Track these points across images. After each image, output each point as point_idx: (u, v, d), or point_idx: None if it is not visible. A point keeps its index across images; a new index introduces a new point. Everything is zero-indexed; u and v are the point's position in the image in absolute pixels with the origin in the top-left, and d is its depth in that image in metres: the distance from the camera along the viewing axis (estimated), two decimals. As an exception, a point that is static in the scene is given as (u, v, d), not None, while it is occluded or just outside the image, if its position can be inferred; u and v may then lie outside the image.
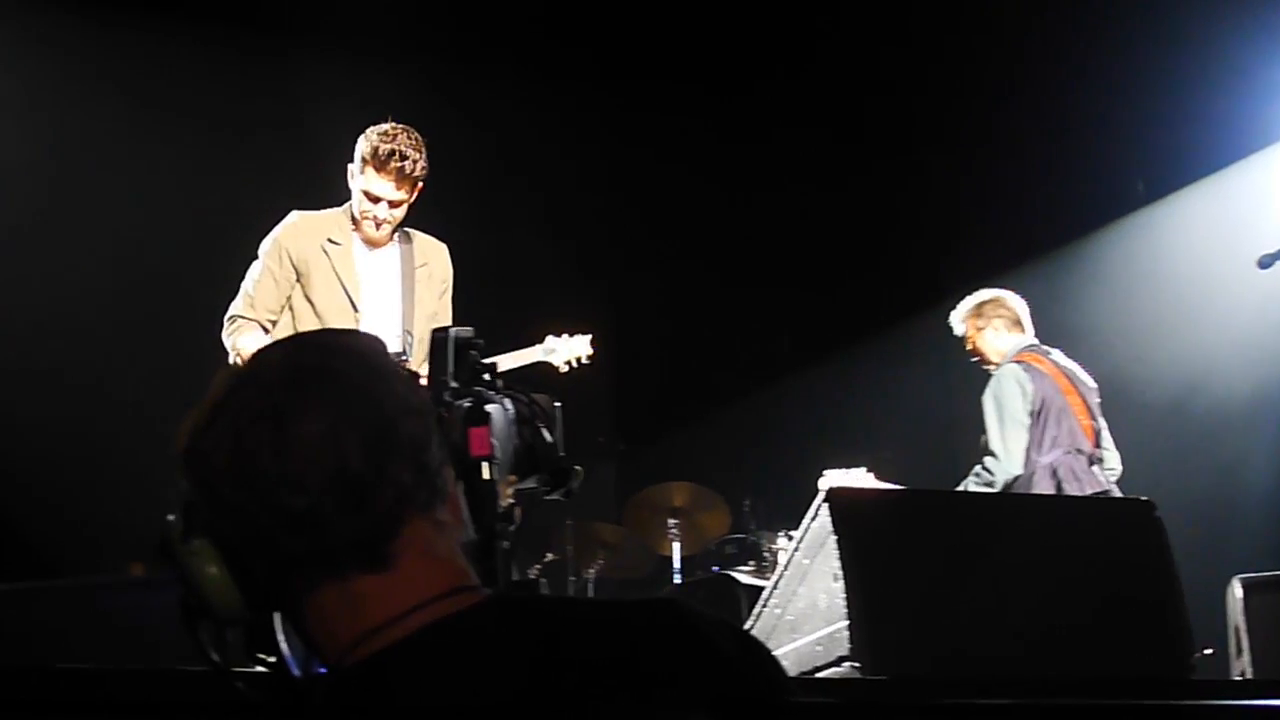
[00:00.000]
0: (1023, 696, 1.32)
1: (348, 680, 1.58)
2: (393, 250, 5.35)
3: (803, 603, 4.21)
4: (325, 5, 8.23)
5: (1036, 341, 6.50)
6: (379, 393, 1.62)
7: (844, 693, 3.44)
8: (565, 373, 5.74)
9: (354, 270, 5.22)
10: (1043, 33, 8.23)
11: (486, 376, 2.61)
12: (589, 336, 5.87)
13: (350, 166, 5.23)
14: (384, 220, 5.22)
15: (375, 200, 5.17)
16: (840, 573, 3.95)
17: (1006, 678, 3.78)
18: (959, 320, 6.63)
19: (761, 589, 4.68)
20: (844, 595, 3.92)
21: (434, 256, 5.44)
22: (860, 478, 6.66)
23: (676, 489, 8.43)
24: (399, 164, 5.13)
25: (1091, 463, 6.14)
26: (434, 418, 1.69)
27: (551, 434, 2.64)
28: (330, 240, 5.23)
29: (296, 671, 1.70)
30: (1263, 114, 7.88)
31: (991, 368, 6.44)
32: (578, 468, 2.81)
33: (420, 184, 5.24)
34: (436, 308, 5.41)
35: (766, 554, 7.87)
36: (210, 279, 5.57)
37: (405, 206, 5.25)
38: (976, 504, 5.35)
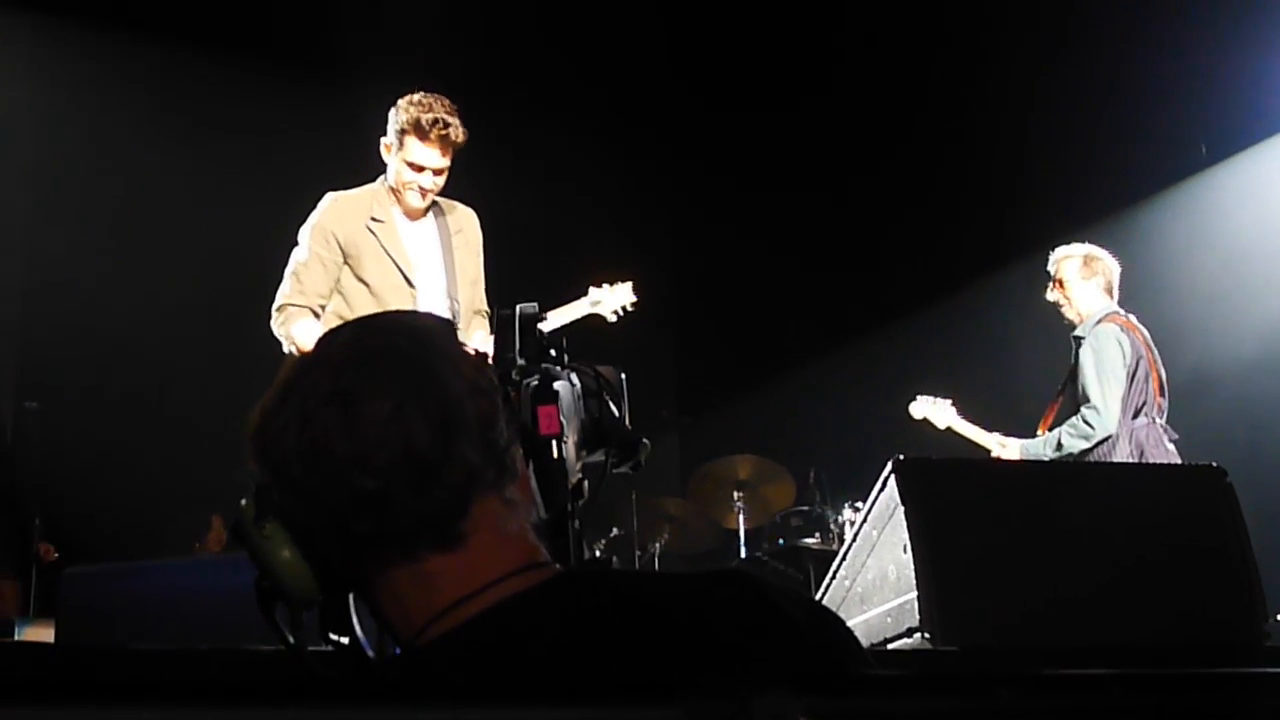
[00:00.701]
0: (1092, 666, 1.31)
1: (422, 658, 1.59)
2: (429, 221, 5.33)
3: (872, 574, 4.20)
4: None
5: (1120, 308, 6.45)
6: (445, 373, 1.63)
7: (914, 664, 3.44)
8: (614, 322, 5.76)
9: (402, 245, 5.20)
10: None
11: (553, 351, 2.62)
12: (630, 283, 5.86)
13: (385, 140, 5.20)
14: (429, 189, 5.20)
15: (420, 170, 5.13)
16: (909, 543, 3.95)
17: (1076, 647, 3.77)
18: (1062, 263, 6.52)
19: (830, 559, 4.68)
20: (913, 566, 3.91)
21: (466, 222, 5.43)
22: (945, 409, 6.70)
23: (741, 461, 8.42)
24: (442, 131, 5.10)
25: (1164, 432, 6.12)
26: (500, 396, 1.69)
27: (618, 407, 2.65)
28: (374, 219, 5.20)
29: (370, 651, 1.72)
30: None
31: (1075, 319, 6.38)
32: (645, 441, 2.81)
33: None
34: (476, 273, 5.40)
35: (833, 526, 7.85)
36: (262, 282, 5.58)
37: (446, 174, 5.23)
38: (1044, 472, 5.31)
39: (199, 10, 8.06)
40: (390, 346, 1.63)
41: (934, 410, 6.81)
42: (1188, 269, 8.38)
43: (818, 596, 4.44)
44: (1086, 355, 6.15)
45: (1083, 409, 6.07)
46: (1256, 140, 8.29)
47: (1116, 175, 8.61)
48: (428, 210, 5.31)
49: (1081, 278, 6.43)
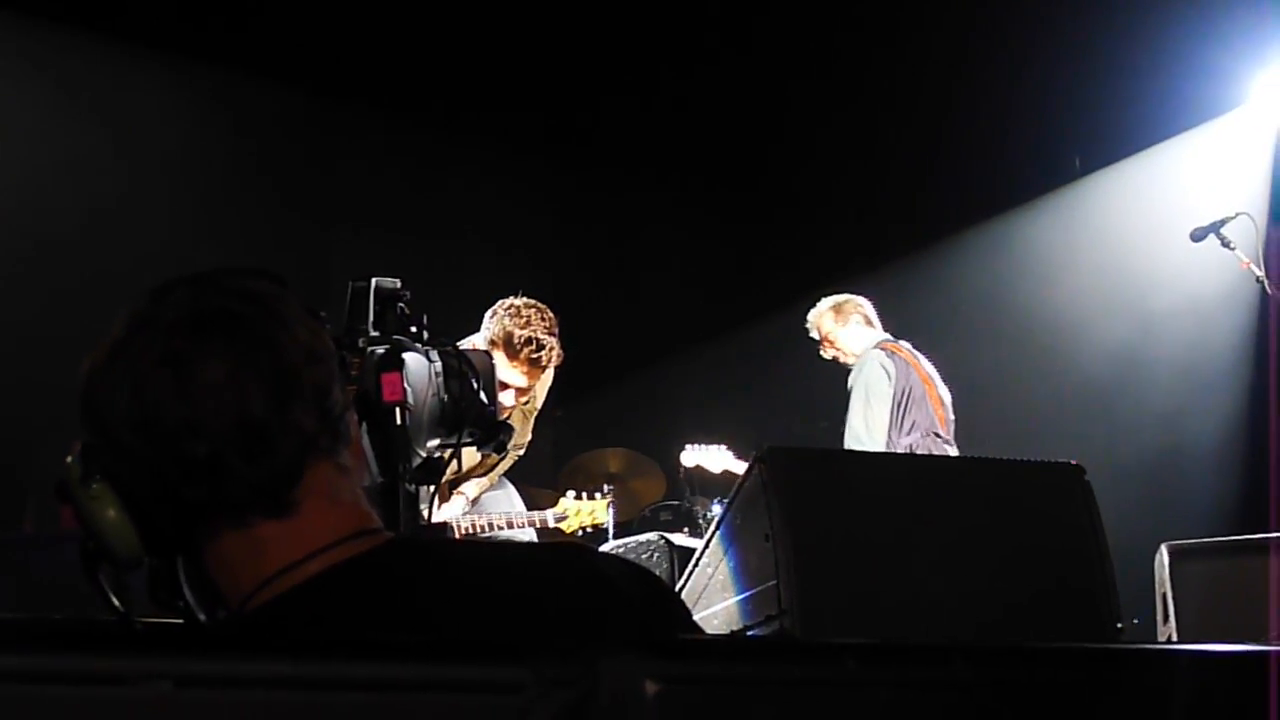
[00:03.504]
0: (941, 658, 1.33)
1: (249, 623, 1.57)
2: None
3: (734, 562, 4.21)
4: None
5: (887, 335, 6.65)
6: (280, 338, 1.60)
7: (769, 646, 3.45)
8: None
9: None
10: (983, 13, 8.26)
11: (413, 329, 2.59)
12: (607, 500, 5.71)
13: (475, 340, 4.94)
14: (507, 409, 4.95)
15: (502, 388, 4.84)
16: (771, 532, 3.96)
17: (928, 638, 3.80)
18: (818, 322, 6.77)
19: (694, 552, 4.69)
20: (774, 555, 3.93)
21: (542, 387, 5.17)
22: (718, 453, 6.88)
23: (612, 454, 8.45)
24: (534, 354, 4.92)
25: (946, 446, 6.31)
26: (336, 362, 1.67)
27: (482, 390, 2.63)
28: None
29: (201, 616, 1.68)
30: (1193, 92, 7.96)
31: (850, 361, 6.59)
32: (509, 423, 2.79)
33: None
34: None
35: (701, 521, 7.89)
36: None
37: (530, 393, 5.01)
38: (907, 465, 5.38)
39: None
40: (225, 309, 1.60)
41: (705, 456, 7.00)
42: (1061, 278, 8.54)
43: (680, 584, 4.44)
44: (855, 384, 6.37)
45: (846, 433, 6.27)
46: (1128, 154, 8.46)
47: (994, 185, 8.74)
48: None
49: (839, 325, 6.71)
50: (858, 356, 6.57)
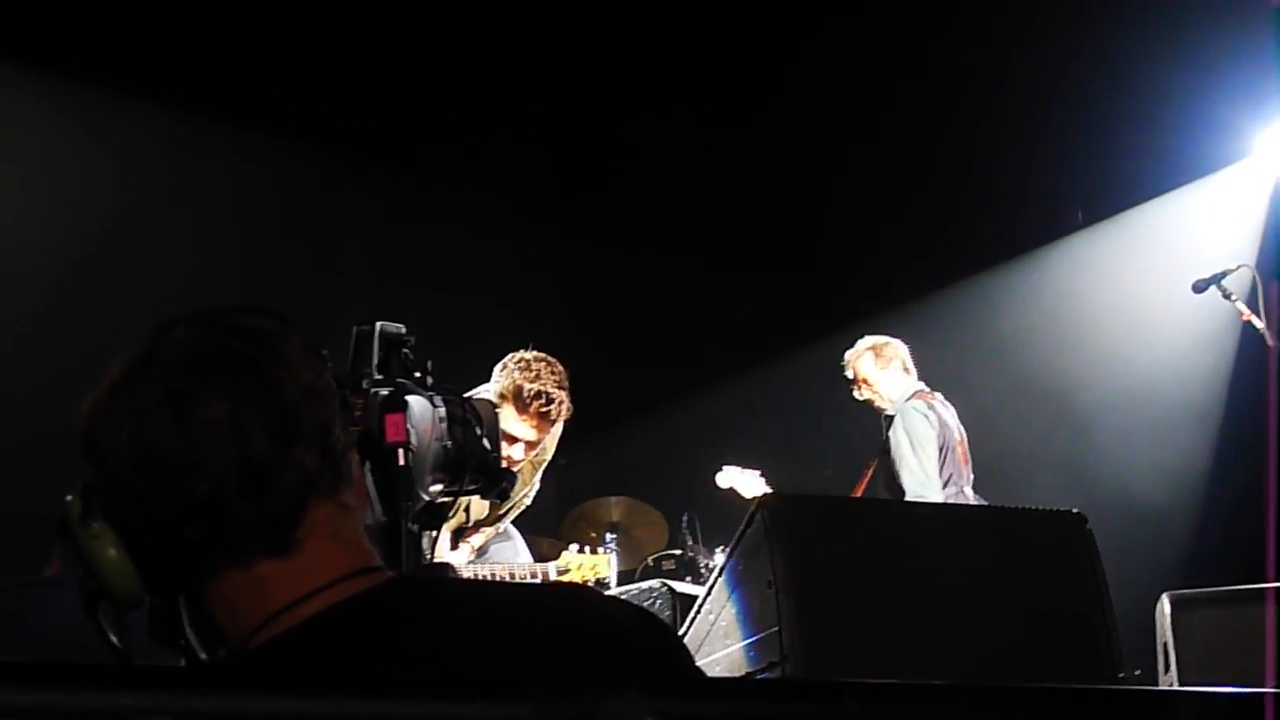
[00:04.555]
0: (944, 699, 1.33)
1: (251, 663, 1.57)
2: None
3: (736, 609, 4.21)
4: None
5: (923, 384, 6.66)
6: (282, 376, 1.60)
7: (771, 687, 3.45)
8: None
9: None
10: (984, 63, 8.31)
11: (418, 374, 2.61)
12: (609, 556, 5.68)
13: (484, 390, 4.92)
14: (516, 462, 4.95)
15: (511, 441, 4.88)
16: (774, 579, 3.96)
17: (934, 686, 3.79)
18: (856, 363, 6.77)
19: (696, 599, 4.69)
20: (776, 601, 3.93)
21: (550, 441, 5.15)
22: (753, 480, 6.83)
23: (615, 503, 8.43)
24: (544, 408, 4.91)
25: (974, 499, 6.33)
26: (338, 401, 1.67)
27: (486, 437, 2.64)
28: None
29: (202, 655, 1.68)
30: (1195, 144, 8.01)
31: (886, 406, 6.58)
32: (512, 471, 2.81)
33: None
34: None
35: (704, 569, 7.86)
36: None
37: (539, 447, 5.01)
38: (910, 512, 5.38)
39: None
40: (226, 348, 1.60)
41: (741, 480, 6.98)
42: (1064, 328, 8.56)
43: (683, 630, 4.43)
44: (899, 433, 6.38)
45: (906, 482, 6.24)
46: (1129, 207, 8.50)
47: (999, 237, 8.78)
48: None
49: (879, 368, 6.70)
50: (893, 403, 6.57)
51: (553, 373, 4.98)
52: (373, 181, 8.98)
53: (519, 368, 4.94)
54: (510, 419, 4.88)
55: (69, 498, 1.63)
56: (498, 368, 5.02)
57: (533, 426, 4.93)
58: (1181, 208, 8.39)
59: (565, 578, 5.59)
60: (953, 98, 8.47)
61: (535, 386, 4.89)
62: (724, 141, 9.46)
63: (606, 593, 6.67)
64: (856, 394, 6.81)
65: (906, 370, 6.72)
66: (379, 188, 9.05)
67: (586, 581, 5.64)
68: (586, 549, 5.81)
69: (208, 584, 1.61)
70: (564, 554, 5.74)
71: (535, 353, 5.04)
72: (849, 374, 6.82)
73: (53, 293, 7.43)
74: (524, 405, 4.88)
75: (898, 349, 6.77)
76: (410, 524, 2.37)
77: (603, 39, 8.86)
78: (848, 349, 6.87)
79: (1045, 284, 8.78)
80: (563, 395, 4.96)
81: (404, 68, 8.46)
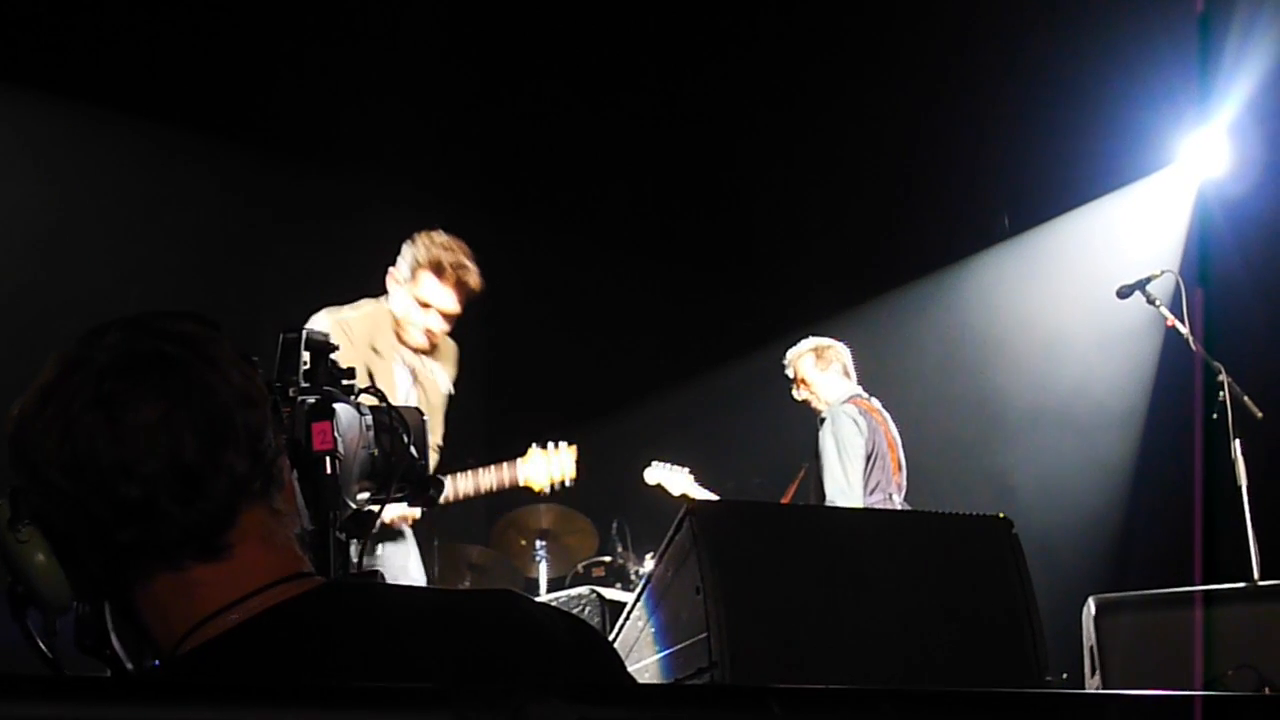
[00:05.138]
0: (869, 703, 1.33)
1: (180, 668, 1.56)
2: (422, 357, 5.15)
3: (665, 616, 4.22)
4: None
5: (861, 389, 6.70)
6: (213, 381, 1.60)
7: (696, 692, 3.45)
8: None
9: (394, 387, 4.95)
10: (910, 71, 8.36)
11: (345, 382, 2.60)
12: (574, 448, 5.71)
13: (395, 271, 5.03)
14: (436, 332, 5.03)
15: (429, 309, 5.00)
16: (701, 585, 3.97)
17: (859, 690, 3.81)
18: (797, 362, 6.81)
19: (624, 604, 4.69)
20: (704, 607, 3.94)
21: (447, 360, 5.24)
22: (682, 478, 6.87)
23: (544, 511, 8.40)
24: (463, 275, 4.98)
25: (902, 508, 6.38)
26: (270, 406, 1.68)
27: (413, 445, 2.63)
28: (374, 349, 4.98)
29: (128, 664, 1.68)
30: (1122, 152, 8.09)
31: (822, 408, 6.62)
32: (440, 478, 2.80)
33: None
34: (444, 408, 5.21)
35: (633, 576, 7.87)
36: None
37: (454, 321, 5.07)
38: (836, 517, 5.40)
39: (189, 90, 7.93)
40: (158, 352, 1.59)
41: (669, 477, 7.02)
42: (992, 335, 8.63)
43: (612, 637, 4.43)
44: (826, 437, 6.42)
45: (827, 488, 6.29)
46: (1056, 214, 8.57)
47: (923, 245, 8.83)
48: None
49: (818, 370, 6.75)
50: (828, 405, 6.60)
51: (463, 248, 5.03)
52: (294, 178, 8.93)
53: (435, 242, 5.01)
54: (431, 287, 4.96)
55: None
56: (406, 244, 5.06)
57: (453, 294, 5.00)
58: (1106, 214, 8.48)
59: (531, 480, 5.55)
60: (883, 104, 8.51)
61: (454, 257, 4.96)
62: (654, 147, 9.46)
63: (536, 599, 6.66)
64: (794, 393, 6.86)
65: (847, 374, 6.77)
66: (302, 185, 9.00)
67: (555, 485, 5.61)
68: (550, 445, 5.71)
69: (138, 589, 1.60)
70: (530, 450, 5.68)
71: (444, 232, 5.10)
72: (789, 373, 6.86)
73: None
74: (443, 271, 4.95)
75: (840, 352, 6.82)
76: (338, 532, 2.36)
77: (534, 38, 8.88)
78: (790, 347, 6.90)
79: (971, 291, 8.85)
80: (476, 269, 5.02)
81: (325, 64, 8.46)
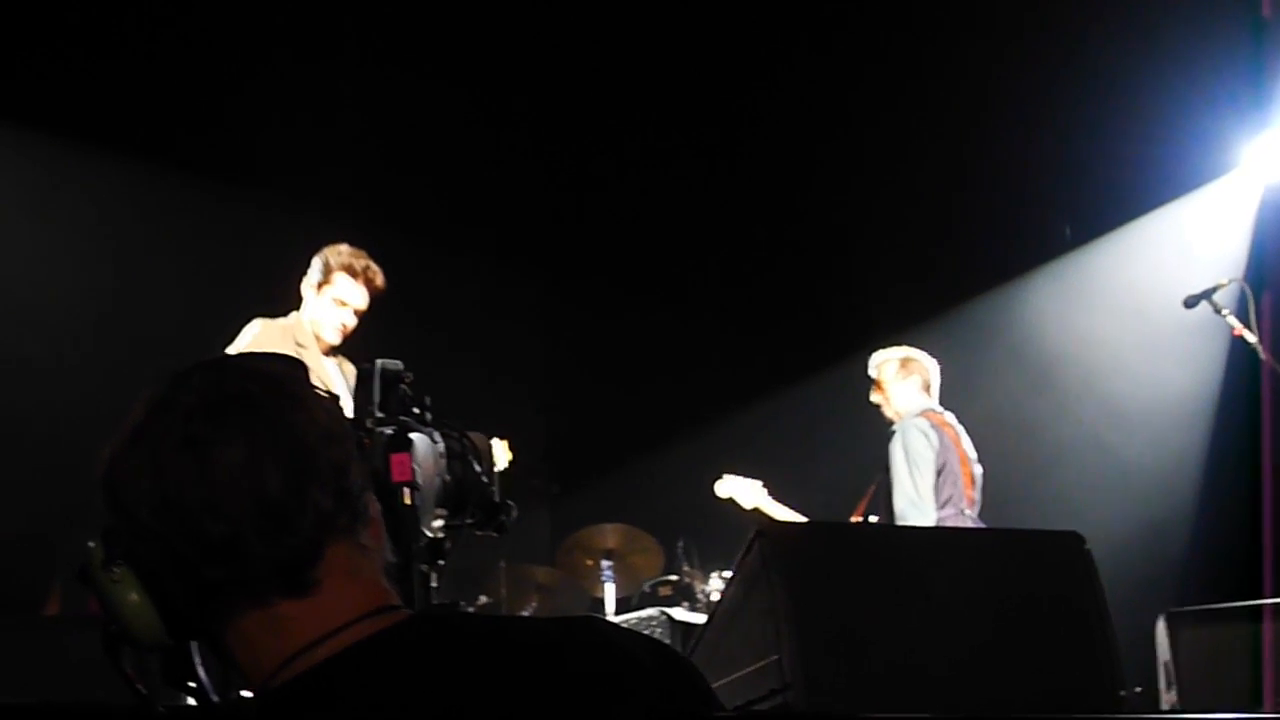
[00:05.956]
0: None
1: (273, 703, 1.58)
2: (331, 360, 5.60)
3: (737, 637, 4.21)
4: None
5: (937, 404, 6.69)
6: (298, 419, 1.63)
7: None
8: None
9: (326, 375, 5.41)
10: (965, 82, 8.33)
11: (417, 410, 2.62)
12: (505, 441, 5.94)
13: (309, 279, 5.58)
14: (350, 328, 5.53)
15: (344, 306, 5.53)
16: (774, 607, 3.96)
17: (932, 710, 3.80)
18: (880, 365, 6.81)
19: (696, 626, 4.69)
20: (776, 629, 3.93)
21: (348, 368, 5.64)
22: (756, 491, 6.86)
23: (610, 531, 8.43)
24: (371, 274, 5.53)
25: (975, 524, 6.34)
26: (354, 442, 1.70)
27: (484, 471, 2.64)
28: (298, 343, 5.42)
29: (214, 697, 1.71)
30: (1184, 159, 8.02)
31: (894, 417, 6.64)
32: (510, 503, 2.81)
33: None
34: None
35: (700, 594, 7.86)
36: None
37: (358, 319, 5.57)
38: (906, 536, 5.38)
39: (130, 121, 8.00)
40: (243, 392, 1.63)
41: (741, 489, 7.02)
42: (1055, 348, 8.57)
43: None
44: (896, 449, 6.42)
45: (896, 502, 6.27)
46: (1120, 223, 8.50)
47: (983, 257, 8.78)
48: (330, 352, 5.58)
49: (899, 378, 6.76)
50: (900, 416, 6.60)
51: (368, 255, 5.63)
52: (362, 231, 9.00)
53: (345, 249, 5.62)
54: (346, 286, 5.54)
55: (90, 544, 1.65)
56: (317, 258, 5.62)
57: (364, 291, 5.58)
58: (1169, 222, 8.40)
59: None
60: (940, 119, 8.49)
61: (363, 261, 5.58)
62: (717, 167, 9.49)
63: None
64: (872, 396, 6.87)
65: (926, 389, 6.77)
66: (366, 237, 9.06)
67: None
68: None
69: (228, 625, 1.62)
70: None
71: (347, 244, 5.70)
72: (872, 373, 6.87)
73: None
74: (355, 273, 5.55)
75: (924, 366, 6.83)
76: (418, 563, 2.38)
77: (581, 82, 8.97)
78: (874, 353, 6.94)
79: (1034, 304, 8.78)
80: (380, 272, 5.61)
81: (379, 123, 8.57)
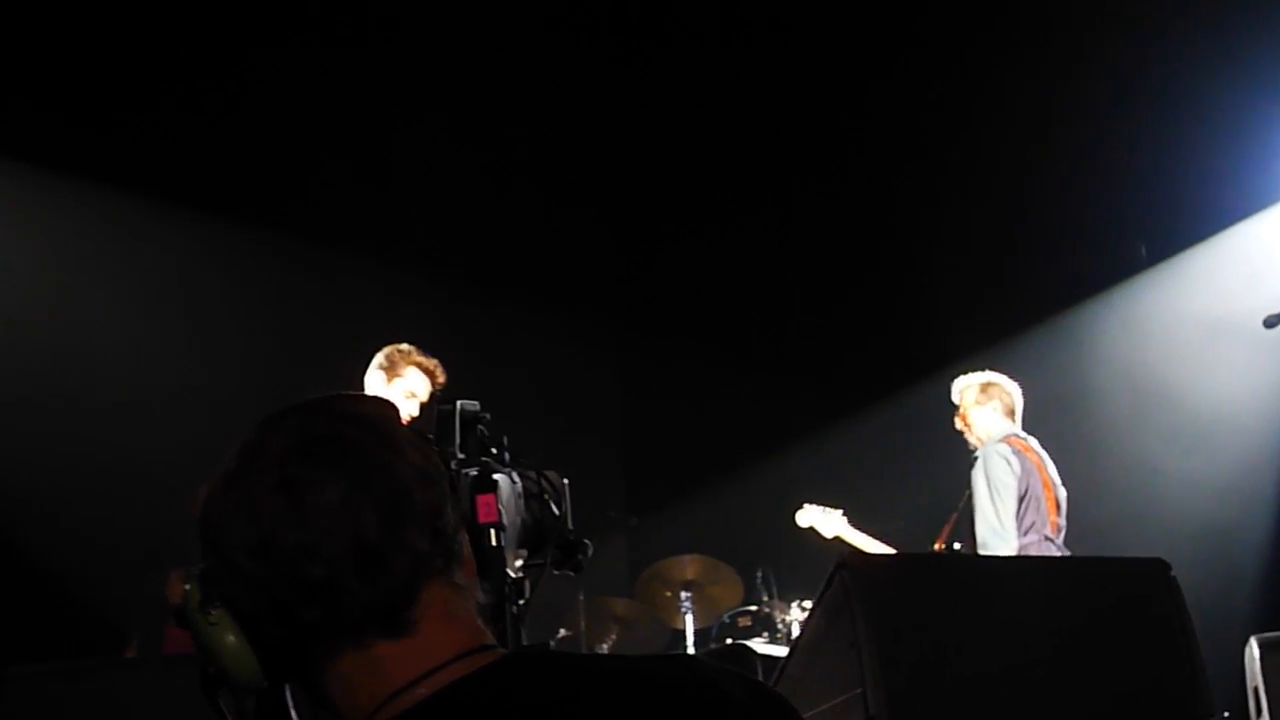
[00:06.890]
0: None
1: None
2: None
3: (820, 670, 4.19)
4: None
5: (1020, 429, 6.64)
6: (392, 461, 1.64)
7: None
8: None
9: None
10: (1043, 99, 8.30)
11: (494, 450, 2.63)
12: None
13: (374, 376, 5.96)
14: (413, 420, 5.71)
15: (413, 398, 5.87)
16: (856, 640, 3.94)
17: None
18: (961, 391, 6.79)
19: (777, 659, 4.67)
20: (860, 662, 3.91)
21: None
22: (836, 520, 6.85)
23: (689, 561, 8.42)
24: (437, 373, 5.92)
25: (1059, 551, 6.29)
26: (447, 483, 1.71)
27: (560, 509, 2.66)
28: None
29: None
30: (1262, 173, 7.93)
31: (976, 443, 6.60)
32: (586, 542, 2.82)
33: None
34: None
35: (780, 625, 7.84)
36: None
37: None
38: (990, 567, 5.33)
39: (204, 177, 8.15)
40: (336, 434, 1.64)
41: (821, 519, 7.01)
42: (1131, 368, 8.48)
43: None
44: (978, 475, 6.39)
45: (979, 530, 6.24)
46: (1196, 240, 8.42)
47: (1059, 277, 8.73)
48: None
49: (978, 404, 6.74)
50: (982, 442, 6.58)
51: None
52: (433, 287, 9.11)
53: (407, 346, 6.02)
54: (419, 382, 5.93)
55: (186, 586, 1.66)
56: (382, 354, 6.01)
57: (428, 385, 5.95)
58: (1246, 239, 8.30)
59: None
60: (1010, 136, 8.46)
61: (424, 358, 5.98)
62: (797, 191, 9.52)
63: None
64: (956, 422, 6.85)
65: (1010, 414, 6.75)
66: (437, 292, 9.16)
67: None
68: None
69: (325, 667, 1.63)
70: None
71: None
72: (954, 400, 6.85)
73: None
74: (428, 370, 5.96)
75: (1006, 391, 6.81)
76: (512, 605, 2.40)
77: (650, 140, 9.06)
78: (957, 378, 6.95)
79: (1110, 324, 8.71)
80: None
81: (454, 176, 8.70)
